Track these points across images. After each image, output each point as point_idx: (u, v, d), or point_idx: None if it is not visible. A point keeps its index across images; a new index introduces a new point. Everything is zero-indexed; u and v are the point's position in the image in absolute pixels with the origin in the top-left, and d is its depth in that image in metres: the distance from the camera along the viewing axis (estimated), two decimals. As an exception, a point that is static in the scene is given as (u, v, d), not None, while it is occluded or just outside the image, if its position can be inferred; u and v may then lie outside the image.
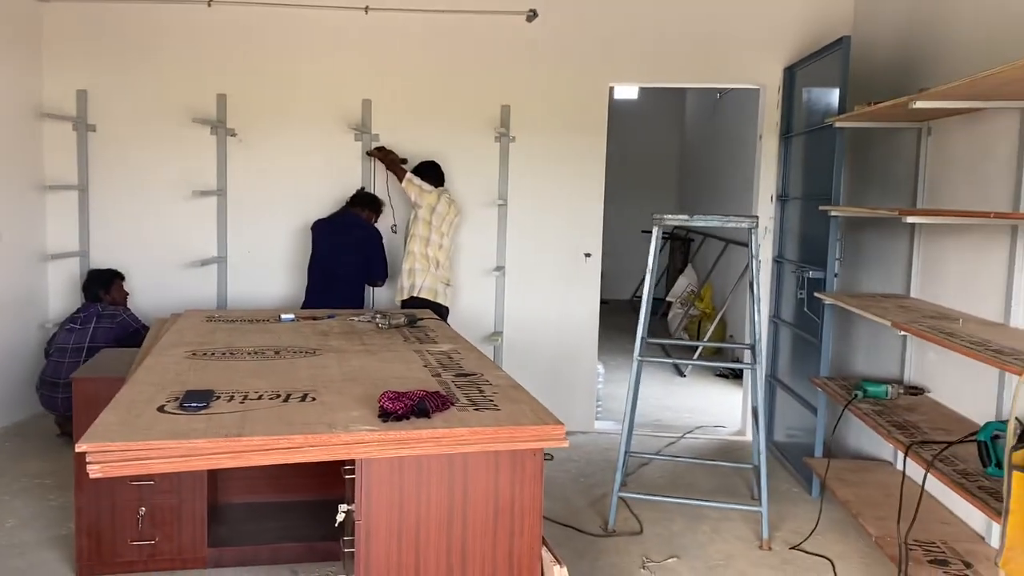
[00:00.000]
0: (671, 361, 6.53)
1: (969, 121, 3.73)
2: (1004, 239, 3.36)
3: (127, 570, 3.38)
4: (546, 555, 2.67)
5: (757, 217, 3.94)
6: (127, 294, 5.34)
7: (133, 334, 4.88)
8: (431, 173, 5.14)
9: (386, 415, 2.46)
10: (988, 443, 2.81)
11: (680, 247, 10.47)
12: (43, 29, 5.45)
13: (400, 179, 5.10)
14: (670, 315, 9.15)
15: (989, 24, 3.62)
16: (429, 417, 2.49)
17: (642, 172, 11.63)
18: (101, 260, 5.49)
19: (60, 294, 5.59)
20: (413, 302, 4.99)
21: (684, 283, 9.12)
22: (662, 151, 11.81)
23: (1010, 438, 2.34)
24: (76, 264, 5.56)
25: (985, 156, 3.58)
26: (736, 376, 7.02)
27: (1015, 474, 2.15)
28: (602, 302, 10.06)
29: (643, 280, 4.06)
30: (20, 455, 4.72)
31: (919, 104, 3.25)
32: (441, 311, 5.02)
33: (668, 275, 10.49)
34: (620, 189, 10.78)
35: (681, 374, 7.50)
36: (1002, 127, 3.44)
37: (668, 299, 9.43)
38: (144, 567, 3.39)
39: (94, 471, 2.17)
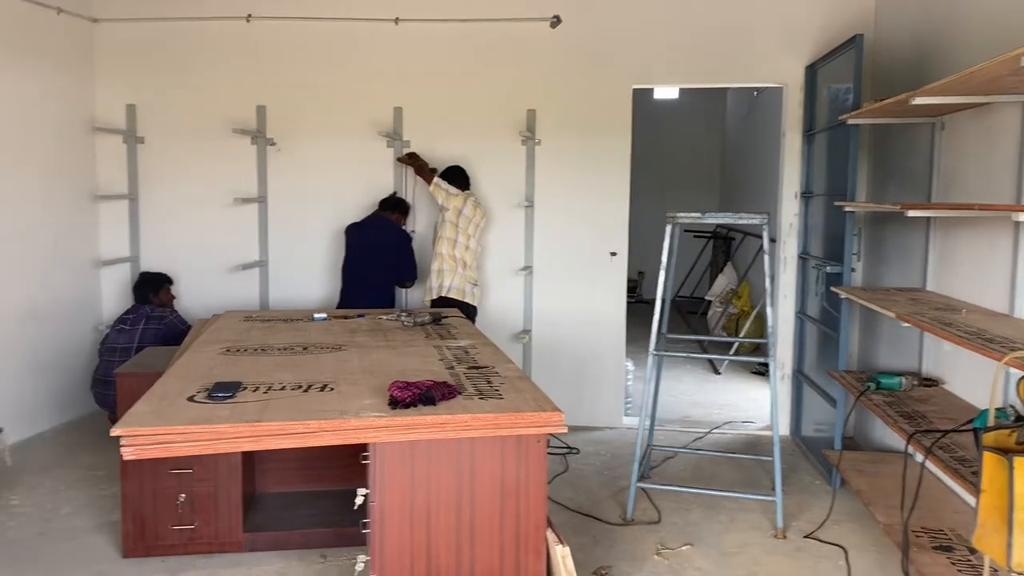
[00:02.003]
0: (687, 356, 6.60)
1: (978, 115, 3.77)
2: (1009, 231, 3.41)
3: (168, 553, 3.61)
4: (550, 535, 2.82)
5: (768, 214, 4.02)
6: (174, 297, 5.63)
7: (179, 334, 5.13)
8: (457, 177, 5.32)
9: (395, 403, 2.65)
10: (984, 430, 2.87)
11: (722, 246, 10.49)
12: (95, 47, 5.78)
13: (428, 184, 5.29)
14: (709, 313, 9.21)
15: (1000, 17, 3.66)
16: (435, 404, 2.67)
17: (685, 171, 11.70)
18: (150, 265, 5.81)
19: (112, 297, 5.92)
20: (441, 302, 5.18)
21: (723, 282, 9.17)
22: (704, 150, 11.83)
23: (990, 419, 2.41)
24: (127, 269, 5.88)
25: (992, 150, 3.63)
26: (770, 373, 7.06)
27: (987, 455, 2.24)
28: (643, 302, 10.15)
29: (663, 278, 4.16)
30: (76, 449, 5.02)
31: (918, 100, 3.31)
32: (469, 310, 5.21)
33: (711, 274, 10.54)
34: (663, 188, 10.89)
35: (716, 372, 7.56)
36: (1006, 121, 3.49)
37: (707, 298, 9.49)
38: (184, 550, 3.62)
39: (127, 453, 2.39)
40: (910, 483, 3.37)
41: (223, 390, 2.79)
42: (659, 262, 4.14)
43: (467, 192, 5.34)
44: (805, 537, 3.93)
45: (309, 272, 5.86)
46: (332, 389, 2.89)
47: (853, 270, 4.63)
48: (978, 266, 3.72)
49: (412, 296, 5.72)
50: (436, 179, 5.26)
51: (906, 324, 3.32)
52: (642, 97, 5.64)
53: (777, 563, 3.68)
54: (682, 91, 11.56)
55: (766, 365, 7.01)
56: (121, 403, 3.66)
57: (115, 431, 2.38)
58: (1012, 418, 2.87)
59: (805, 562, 3.69)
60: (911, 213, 3.34)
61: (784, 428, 5.57)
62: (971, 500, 3.59)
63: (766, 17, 5.49)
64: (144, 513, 3.60)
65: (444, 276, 5.22)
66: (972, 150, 3.85)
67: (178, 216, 5.88)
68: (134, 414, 2.54)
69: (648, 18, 5.54)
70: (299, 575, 3.51)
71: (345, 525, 3.68)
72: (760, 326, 7.99)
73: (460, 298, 5.21)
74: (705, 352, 8.04)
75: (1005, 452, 2.22)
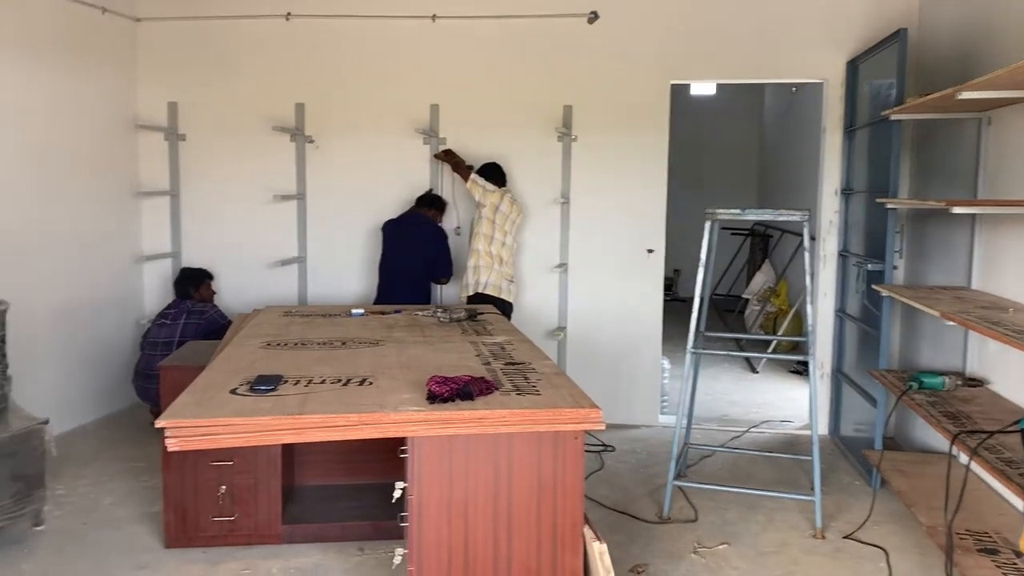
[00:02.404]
0: (727, 354, 6.56)
1: (1026, 110, 3.70)
2: (1058, 228, 3.34)
3: (209, 544, 3.67)
4: (587, 532, 2.81)
5: (809, 210, 3.98)
6: (215, 292, 5.71)
7: (219, 329, 5.21)
8: (494, 174, 5.34)
9: (433, 397, 2.66)
10: (1030, 431, 2.82)
11: (760, 244, 10.39)
12: (137, 46, 5.87)
13: (465, 180, 5.31)
14: (747, 312, 9.12)
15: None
16: (473, 400, 2.67)
17: (722, 167, 11.59)
18: (191, 261, 5.89)
19: (154, 292, 6.02)
20: (478, 298, 5.19)
21: (761, 280, 9.07)
22: (742, 146, 11.70)
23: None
24: (168, 264, 5.97)
25: (1041, 145, 3.56)
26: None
27: (1036, 456, 2.19)
28: (679, 300, 10.08)
29: (702, 275, 4.14)
30: (117, 441, 5.12)
31: (965, 95, 3.25)
32: (505, 307, 5.22)
33: (748, 271, 10.44)
34: (699, 185, 10.79)
35: (754, 370, 7.49)
36: (1056, 115, 3.41)
37: (744, 296, 9.40)
38: (224, 541, 3.68)
39: (171, 444, 2.43)
40: (954, 484, 3.32)
41: (265, 383, 2.82)
42: (695, 259, 4.11)
43: (504, 188, 5.35)
44: (844, 538, 3.88)
45: (346, 268, 5.91)
46: (371, 383, 2.91)
47: (895, 268, 4.56)
48: (1025, 264, 3.65)
49: (447, 292, 5.74)
50: (473, 175, 5.27)
51: (951, 323, 3.26)
52: (679, 93, 5.60)
53: (816, 563, 3.64)
54: (719, 87, 11.43)
55: (804, 364, 6.99)
56: (165, 395, 3.72)
57: (160, 423, 2.42)
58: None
59: (845, 563, 3.65)
60: (956, 210, 3.28)
61: (823, 427, 5.50)
62: (1017, 502, 3.53)
63: (806, 12, 5.42)
64: (185, 504, 3.66)
65: (481, 272, 5.23)
66: (1020, 146, 3.77)
67: (218, 212, 5.96)
68: (178, 406, 2.58)
69: (686, 13, 5.51)
70: (337, 567, 3.54)
71: (382, 518, 3.72)
72: (798, 324, 7.90)
73: (496, 294, 5.22)
74: (742, 351, 7.98)
75: (1055, 453, 2.17)
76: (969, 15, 4.41)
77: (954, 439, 3.14)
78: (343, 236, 5.89)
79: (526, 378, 3.00)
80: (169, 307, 5.42)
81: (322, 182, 5.87)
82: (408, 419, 2.56)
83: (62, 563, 3.54)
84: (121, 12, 5.67)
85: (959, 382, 3.92)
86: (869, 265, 4.61)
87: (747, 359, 7.66)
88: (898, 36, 4.41)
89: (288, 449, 3.89)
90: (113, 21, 5.61)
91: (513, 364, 3.23)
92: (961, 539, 3.28)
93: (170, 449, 2.42)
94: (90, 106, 5.47)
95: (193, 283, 5.54)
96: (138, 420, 5.44)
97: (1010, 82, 3.06)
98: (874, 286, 4.38)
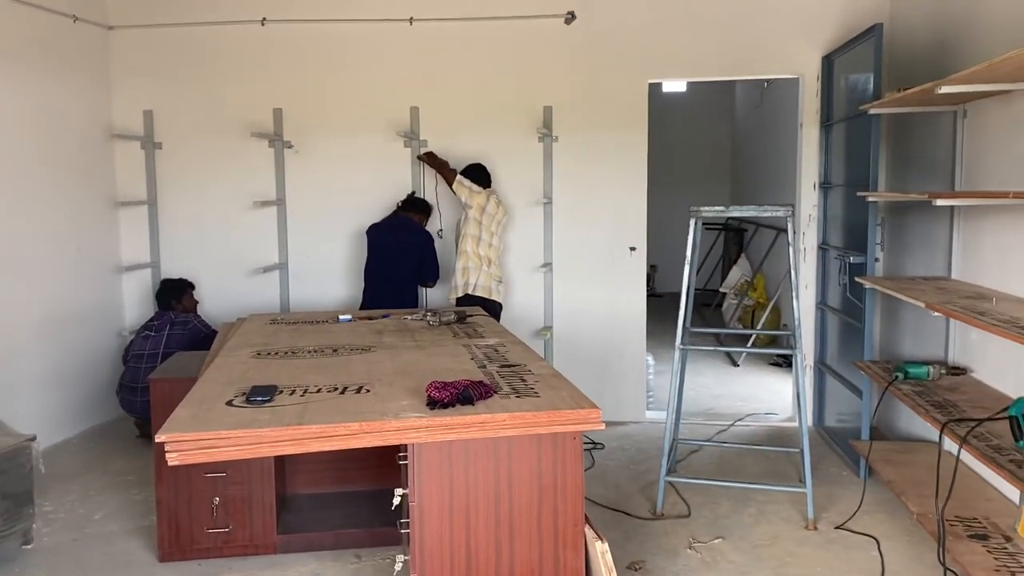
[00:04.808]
0: (713, 349, 6.61)
1: (1003, 102, 3.76)
2: (1037, 218, 3.40)
3: (204, 556, 3.64)
4: (588, 532, 2.82)
5: (792, 205, 4.02)
6: (197, 302, 5.65)
7: (204, 339, 5.17)
8: (479, 175, 5.33)
9: (433, 403, 2.66)
10: (1019, 418, 2.88)
11: (734, 238, 10.48)
12: (110, 55, 5.80)
13: (450, 182, 5.30)
14: (724, 306, 9.20)
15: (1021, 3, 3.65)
16: (473, 404, 2.68)
17: (695, 164, 11.68)
18: (171, 270, 5.83)
19: (135, 303, 5.95)
20: (467, 300, 5.19)
21: (738, 273, 9.15)
22: (714, 142, 11.81)
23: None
24: (148, 275, 5.91)
25: (1017, 136, 3.62)
26: (789, 364, 7.05)
27: (1031, 443, 2.24)
28: (656, 295, 10.13)
29: (688, 272, 4.17)
30: (104, 455, 5.06)
31: (945, 89, 3.31)
32: (495, 307, 5.23)
33: (723, 266, 10.52)
34: (673, 182, 10.85)
35: (735, 364, 7.56)
36: (1032, 107, 3.48)
37: (722, 290, 9.47)
38: (219, 553, 3.65)
39: (172, 459, 2.41)
40: (943, 472, 3.37)
41: (260, 394, 2.80)
42: (673, 255, 4.16)
43: (489, 189, 5.35)
44: (836, 528, 3.93)
45: (329, 273, 5.88)
46: (368, 391, 2.90)
47: (876, 260, 4.62)
48: (1005, 254, 3.72)
49: (432, 295, 5.73)
50: (459, 177, 5.27)
51: (937, 313, 3.32)
52: (651, 91, 5.63)
53: (809, 555, 3.68)
54: (690, 84, 11.50)
55: (784, 356, 7.07)
56: (155, 409, 3.67)
57: (160, 437, 2.40)
58: (1048, 405, 2.88)
59: (838, 553, 3.69)
60: (939, 202, 3.34)
61: (807, 419, 5.55)
62: (1005, 488, 3.60)
63: (781, 9, 5.47)
64: (179, 517, 3.63)
65: (470, 274, 5.23)
66: (997, 137, 3.84)
67: (197, 220, 5.90)
68: (176, 420, 2.55)
69: (663, 12, 5.54)
70: (335, 575, 3.53)
71: (376, 525, 3.71)
72: (776, 317, 7.98)
73: (487, 295, 5.23)
74: (721, 344, 8.04)
75: (1049, 440, 2.22)
76: (941, 9, 4.48)
77: (943, 427, 3.20)
78: (325, 241, 5.86)
79: (523, 380, 3.01)
80: (152, 319, 5.36)
81: (302, 187, 5.84)
82: (410, 426, 2.56)
83: (55, 581, 3.50)
84: (93, 20, 5.60)
85: (943, 371, 3.98)
86: (851, 258, 4.67)
87: (727, 353, 7.73)
88: (873, 31, 4.47)
89: (279, 459, 3.87)
90: (85, 29, 5.54)
91: (509, 367, 3.24)
92: (951, 526, 3.34)
93: (171, 464, 2.40)
94: (64, 115, 5.39)
95: (175, 294, 5.48)
96: (123, 432, 5.39)
97: (989, 76, 3.12)
98: (857, 278, 4.44)
